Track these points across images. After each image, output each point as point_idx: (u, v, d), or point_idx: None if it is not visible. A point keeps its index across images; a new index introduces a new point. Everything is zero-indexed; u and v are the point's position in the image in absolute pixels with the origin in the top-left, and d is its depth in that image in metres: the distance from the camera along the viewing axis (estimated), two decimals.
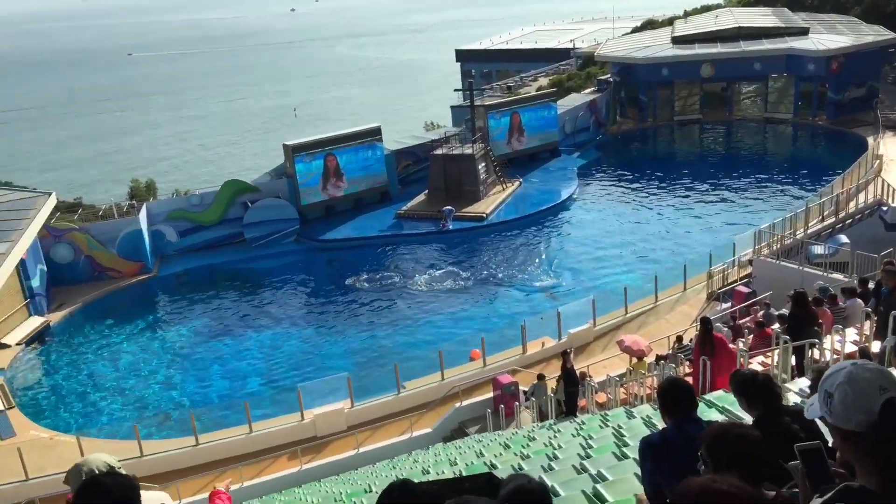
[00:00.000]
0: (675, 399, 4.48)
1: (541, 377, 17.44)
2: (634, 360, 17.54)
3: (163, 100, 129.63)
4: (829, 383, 2.70)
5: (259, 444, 18.40)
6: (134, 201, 35.44)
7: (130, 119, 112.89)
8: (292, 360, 23.89)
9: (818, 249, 21.68)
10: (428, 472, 11.05)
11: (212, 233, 33.29)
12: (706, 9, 70.93)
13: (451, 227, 32.89)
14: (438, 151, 36.70)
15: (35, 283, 27.70)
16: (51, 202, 29.16)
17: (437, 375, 20.41)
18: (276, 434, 18.85)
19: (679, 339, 18.08)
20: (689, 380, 11.89)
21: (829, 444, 2.92)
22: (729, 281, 23.63)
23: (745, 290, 21.02)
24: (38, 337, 26.22)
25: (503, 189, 36.93)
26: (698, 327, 13.17)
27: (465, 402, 18.96)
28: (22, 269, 26.78)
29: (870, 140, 35.64)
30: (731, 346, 13.04)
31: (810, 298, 15.06)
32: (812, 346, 11.70)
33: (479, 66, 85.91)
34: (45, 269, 29.07)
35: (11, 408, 21.19)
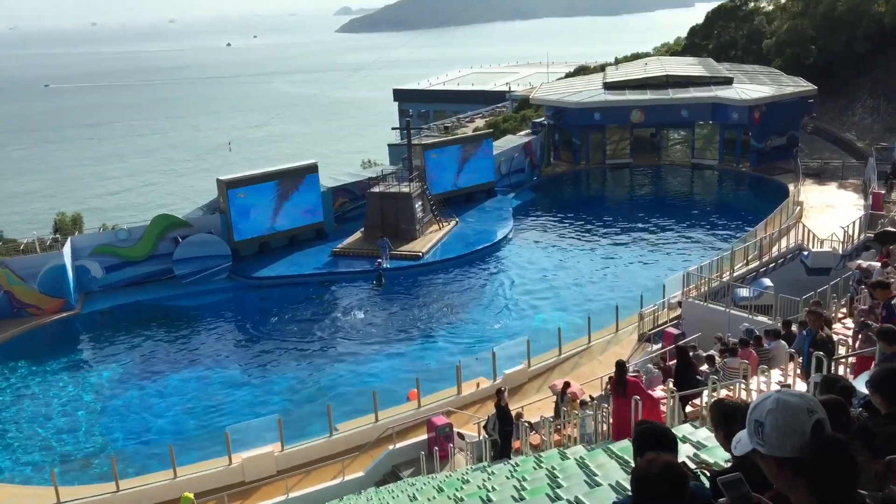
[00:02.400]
0: (657, 443, 3.92)
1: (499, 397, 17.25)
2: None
3: (92, 132, 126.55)
4: (757, 413, 2.75)
5: (184, 490, 17.71)
6: (58, 235, 34.24)
7: (56, 152, 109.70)
8: (222, 401, 23.22)
9: (743, 292, 22.37)
10: None
11: (140, 268, 32.35)
12: (636, 57, 73.47)
13: (387, 265, 32.76)
14: (375, 189, 36.71)
15: None
16: None
17: (370, 417, 20.13)
18: (203, 479, 18.22)
19: (611, 379, 18.30)
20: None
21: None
22: (659, 322, 24.13)
23: (674, 331, 21.48)
24: None
25: (440, 228, 37.10)
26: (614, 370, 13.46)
27: (399, 445, 18.73)
28: None
29: (791, 187, 37.20)
30: (653, 389, 13.37)
31: (737, 340, 15.57)
32: (696, 395, 12.90)
33: (416, 105, 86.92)
34: None
35: None
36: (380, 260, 32.84)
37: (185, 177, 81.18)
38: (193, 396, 23.69)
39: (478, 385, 21.56)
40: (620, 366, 12.78)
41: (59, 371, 25.85)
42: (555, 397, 18.73)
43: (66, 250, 30.30)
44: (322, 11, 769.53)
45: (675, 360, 18.48)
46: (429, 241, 35.38)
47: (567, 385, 17.98)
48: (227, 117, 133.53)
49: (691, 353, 17.24)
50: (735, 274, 25.49)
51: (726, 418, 4.10)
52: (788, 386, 11.61)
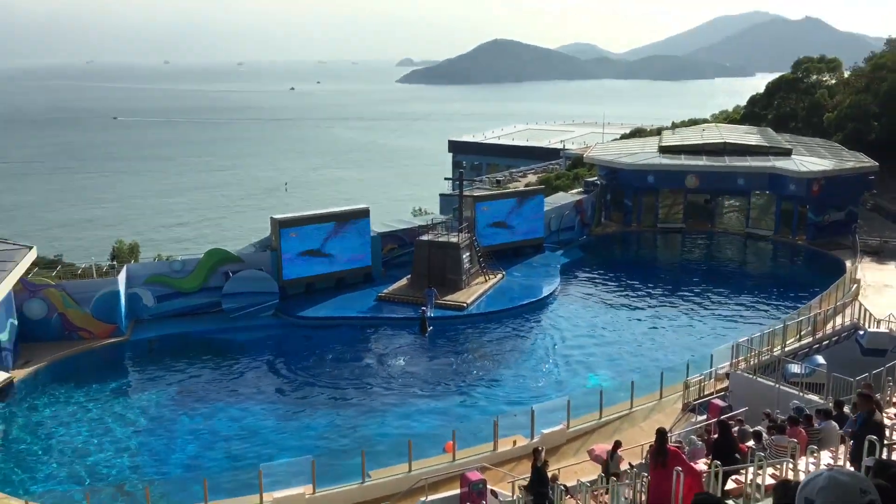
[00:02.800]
0: None
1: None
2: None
3: (156, 165, 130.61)
4: (808, 490, 2.68)
5: None
6: (115, 262, 35.16)
7: (121, 182, 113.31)
8: (258, 437, 23.27)
9: (795, 368, 21.76)
10: None
11: (190, 300, 32.96)
12: (693, 122, 73.41)
13: (431, 314, 32.77)
14: (424, 237, 36.98)
15: (3, 336, 27.10)
16: (30, 256, 28.87)
17: (404, 466, 19.93)
18: None
19: (651, 448, 17.85)
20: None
21: None
22: (705, 393, 23.55)
23: (720, 403, 20.92)
24: None
25: (486, 280, 37.08)
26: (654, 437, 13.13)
27: (431, 497, 18.43)
28: None
29: (848, 263, 36.37)
30: (695, 461, 12.97)
31: (785, 417, 15.10)
32: (736, 472, 12.34)
33: (470, 158, 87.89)
34: (16, 323, 28.51)
35: None
36: (424, 308, 32.90)
37: (241, 213, 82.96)
38: (230, 430, 23.78)
39: (514, 443, 21.23)
40: (661, 434, 12.46)
41: (103, 396, 26.24)
42: (592, 461, 18.32)
43: (121, 277, 31.07)
44: (385, 62, 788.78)
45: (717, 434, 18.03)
46: (474, 292, 35.35)
47: (618, 445, 17.54)
48: (286, 158, 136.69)
49: (737, 428, 16.78)
50: (787, 349, 24.83)
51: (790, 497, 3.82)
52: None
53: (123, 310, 30.94)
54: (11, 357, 27.56)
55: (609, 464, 17.12)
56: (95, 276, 31.75)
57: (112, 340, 30.19)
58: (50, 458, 22.08)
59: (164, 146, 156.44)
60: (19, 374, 27.01)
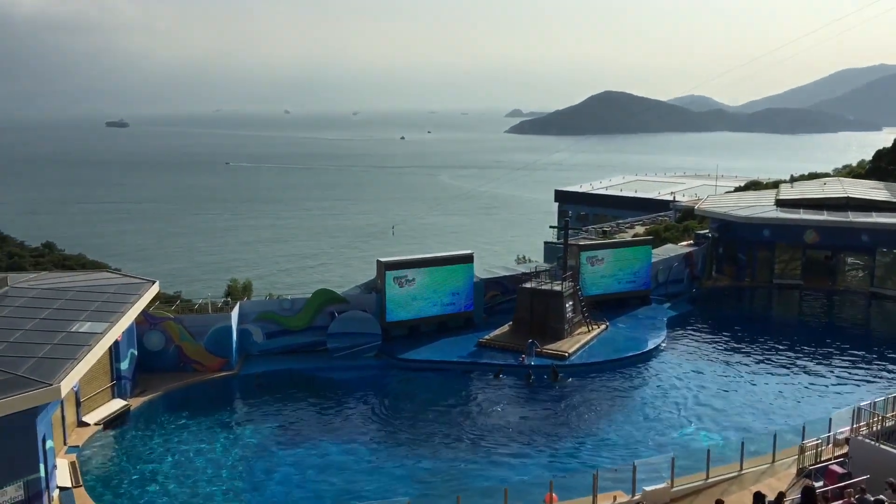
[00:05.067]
0: None
1: None
2: None
3: (271, 208, 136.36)
4: None
5: None
6: (229, 299, 36.69)
7: (234, 222, 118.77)
8: (354, 476, 23.44)
9: None
10: None
11: (297, 338, 33.93)
12: (814, 176, 70.41)
13: (531, 363, 32.40)
14: (527, 285, 36.79)
15: (124, 365, 28.65)
16: (153, 290, 30.51)
17: None
18: None
19: None
20: None
21: None
22: (822, 458, 22.08)
23: (839, 469, 19.58)
24: (116, 419, 26.81)
25: (589, 330, 36.40)
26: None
27: None
28: (115, 350, 27.83)
29: None
30: None
31: None
32: None
33: (576, 207, 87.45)
34: (136, 353, 30.11)
35: (78, 486, 21.50)
36: (523, 356, 32.58)
37: (349, 255, 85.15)
38: (327, 468, 24.06)
39: (614, 499, 20.49)
40: (759, 497, 11.80)
41: (209, 427, 27.13)
42: None
43: (234, 314, 32.37)
44: (494, 112, 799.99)
45: (842, 501, 16.84)
46: (577, 342, 34.75)
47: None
48: (394, 204, 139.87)
49: (859, 496, 15.65)
50: None
51: None
52: None
53: (234, 345, 32.15)
54: (130, 386, 29.06)
55: None
56: (211, 311, 33.21)
57: (222, 374, 31.37)
58: (158, 487, 22.90)
59: (277, 190, 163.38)
60: (135, 402, 28.41)
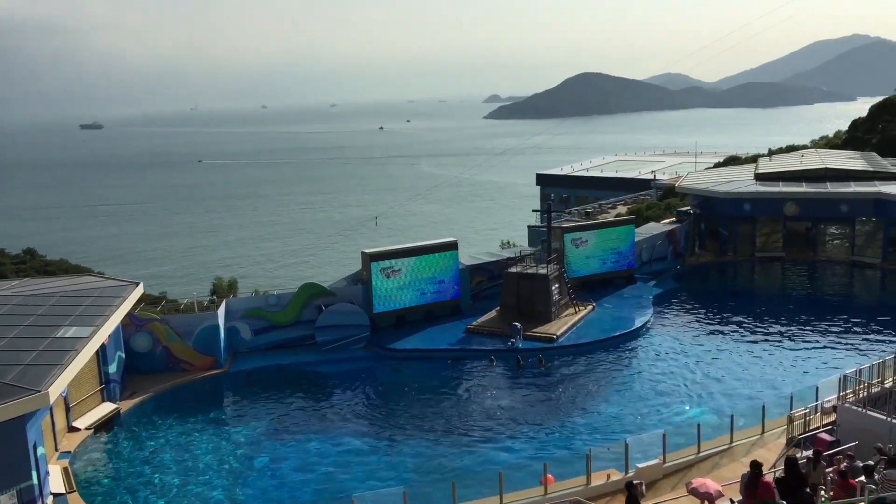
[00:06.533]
0: None
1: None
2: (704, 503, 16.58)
3: (251, 204, 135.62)
4: None
5: None
6: (215, 297, 36.52)
7: (215, 220, 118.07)
8: (349, 467, 23.51)
9: None
10: None
11: (285, 333, 33.86)
12: (792, 149, 70.93)
13: (520, 345, 32.55)
14: (513, 269, 36.89)
15: (112, 369, 28.47)
16: (137, 292, 30.32)
17: (495, 499, 19.68)
18: None
19: (743, 477, 17.01)
20: None
21: None
22: (811, 427, 22.38)
23: (828, 437, 19.88)
24: (107, 423, 26.68)
25: (576, 312, 36.59)
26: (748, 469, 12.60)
27: None
28: (102, 354, 27.65)
29: None
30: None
31: (894, 454, 14.25)
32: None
33: (558, 190, 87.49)
34: (124, 356, 29.94)
35: (72, 492, 21.41)
36: (512, 340, 32.72)
37: (333, 248, 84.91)
38: (322, 460, 24.11)
39: (608, 477, 20.68)
40: (755, 465, 12.03)
41: (201, 427, 27.04)
42: (689, 496, 17.66)
43: (221, 312, 32.23)
44: (472, 99, 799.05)
45: (832, 468, 17.08)
46: (564, 324, 34.92)
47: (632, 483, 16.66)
48: (375, 195, 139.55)
49: (846, 463, 15.90)
50: None
51: None
52: None
53: (223, 343, 32.04)
54: (119, 389, 28.90)
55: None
56: (197, 310, 33.06)
57: (212, 372, 31.27)
58: (151, 489, 22.84)
59: (257, 185, 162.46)
60: (125, 405, 28.27)
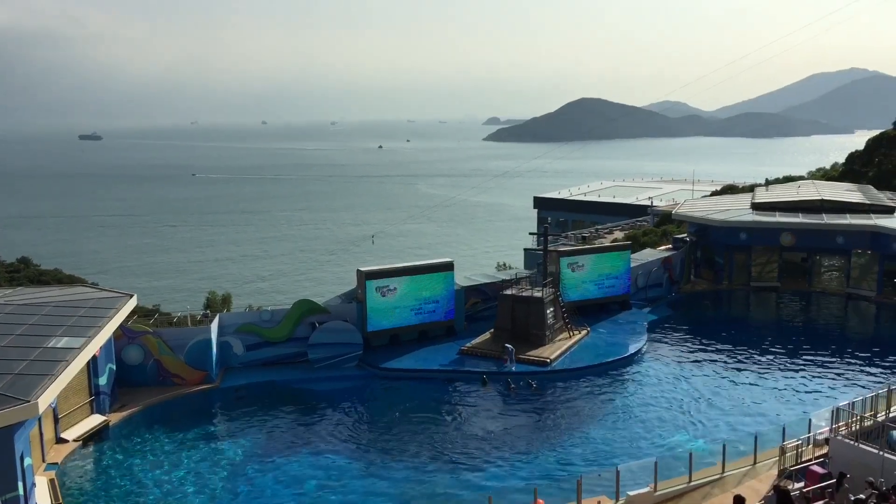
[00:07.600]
0: None
1: None
2: None
3: (248, 218, 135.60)
4: None
5: None
6: (208, 311, 36.38)
7: (213, 234, 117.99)
8: (337, 487, 23.29)
9: None
10: None
11: (278, 349, 33.71)
12: (788, 179, 71.32)
13: (513, 368, 32.45)
14: (508, 291, 36.86)
15: (102, 381, 28.28)
16: (130, 304, 30.19)
17: None
18: None
19: None
20: None
21: None
22: (803, 459, 22.29)
23: (820, 470, 19.77)
24: (95, 435, 26.45)
25: (570, 336, 36.52)
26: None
27: None
28: (92, 366, 27.47)
29: None
30: None
31: (885, 489, 14.16)
32: None
33: (555, 214, 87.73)
34: (114, 368, 29.74)
35: None
36: (506, 359, 32.67)
37: (328, 265, 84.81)
38: (310, 478, 23.88)
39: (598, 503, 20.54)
40: (739, 500, 11.95)
41: (192, 442, 26.84)
42: None
43: (214, 326, 32.10)
44: (472, 121, 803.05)
45: (823, 501, 17.01)
46: (558, 348, 34.83)
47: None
48: (373, 213, 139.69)
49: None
50: (891, 415, 23.28)
51: None
52: None
53: (215, 357, 31.88)
54: (108, 401, 28.69)
55: None
56: (190, 324, 32.91)
57: (203, 387, 31.07)
58: (134, 500, 22.62)
59: (255, 201, 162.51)
60: (115, 417, 28.05)
